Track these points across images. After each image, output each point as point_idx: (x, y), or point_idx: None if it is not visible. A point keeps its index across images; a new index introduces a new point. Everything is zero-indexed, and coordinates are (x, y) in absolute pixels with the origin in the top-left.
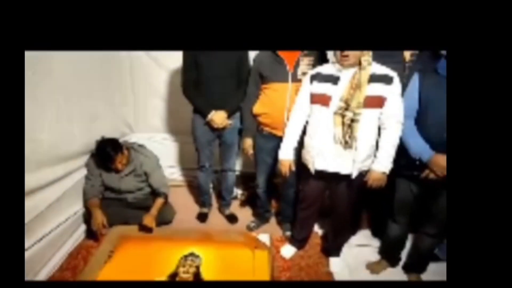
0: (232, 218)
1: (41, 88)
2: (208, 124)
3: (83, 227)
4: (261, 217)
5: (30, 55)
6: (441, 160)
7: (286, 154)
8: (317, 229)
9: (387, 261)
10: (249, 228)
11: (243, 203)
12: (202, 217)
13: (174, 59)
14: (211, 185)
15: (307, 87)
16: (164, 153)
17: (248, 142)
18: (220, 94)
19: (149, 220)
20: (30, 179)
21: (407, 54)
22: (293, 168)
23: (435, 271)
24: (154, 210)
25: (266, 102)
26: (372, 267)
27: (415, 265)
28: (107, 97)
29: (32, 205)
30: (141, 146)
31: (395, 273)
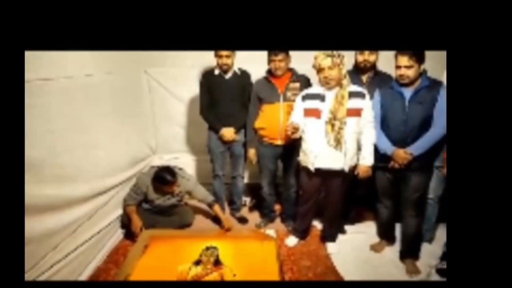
0: (242, 220)
1: (92, 115)
2: (220, 138)
3: (121, 230)
4: (267, 217)
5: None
6: (401, 153)
7: None
8: (316, 223)
9: (385, 240)
10: (258, 226)
11: (251, 209)
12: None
13: (188, 91)
14: (224, 192)
15: (300, 105)
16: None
17: (252, 152)
18: (229, 113)
19: (229, 223)
20: (84, 188)
21: (364, 77)
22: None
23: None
24: (223, 216)
25: (264, 119)
26: (374, 247)
27: (409, 250)
28: (135, 126)
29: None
30: (180, 169)
31: (393, 252)
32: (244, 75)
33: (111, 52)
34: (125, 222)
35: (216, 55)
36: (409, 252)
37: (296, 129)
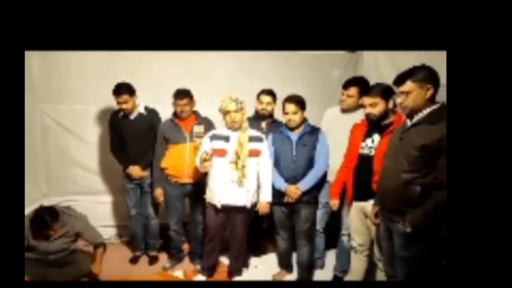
0: (153, 259)
1: None
2: (128, 176)
3: None
4: (175, 258)
5: None
6: (292, 188)
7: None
8: (223, 259)
9: (285, 269)
10: (164, 269)
11: (159, 250)
12: (134, 260)
13: (87, 129)
14: (141, 232)
15: (208, 145)
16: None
17: (159, 191)
18: (135, 153)
19: (97, 269)
20: None
21: (263, 124)
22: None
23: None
24: (99, 259)
25: (171, 158)
26: (275, 277)
27: (304, 276)
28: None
29: None
30: (68, 208)
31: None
32: (151, 114)
33: None
34: None
35: (115, 100)
36: (304, 279)
37: (208, 155)
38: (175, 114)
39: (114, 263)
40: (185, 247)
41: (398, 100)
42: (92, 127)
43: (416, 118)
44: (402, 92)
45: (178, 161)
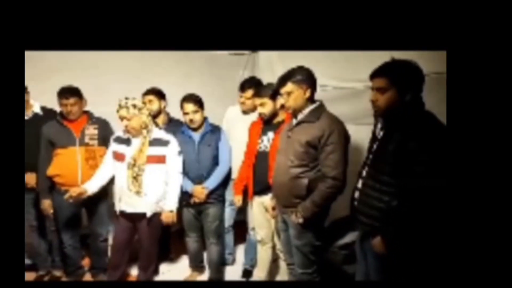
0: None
1: None
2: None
3: None
4: (73, 275)
5: None
6: (198, 188)
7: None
8: (132, 270)
9: (196, 271)
10: None
11: None
12: (38, 280)
13: None
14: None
15: (111, 147)
16: None
17: (47, 203)
18: (30, 158)
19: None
20: None
21: (159, 121)
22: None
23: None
24: None
25: (59, 165)
26: (188, 278)
27: (215, 274)
28: None
29: None
30: None
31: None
32: (48, 115)
33: None
34: None
35: None
36: (216, 277)
37: (80, 194)
38: (62, 115)
39: None
40: (85, 262)
41: (281, 100)
42: None
43: (299, 116)
44: (284, 93)
45: (68, 168)
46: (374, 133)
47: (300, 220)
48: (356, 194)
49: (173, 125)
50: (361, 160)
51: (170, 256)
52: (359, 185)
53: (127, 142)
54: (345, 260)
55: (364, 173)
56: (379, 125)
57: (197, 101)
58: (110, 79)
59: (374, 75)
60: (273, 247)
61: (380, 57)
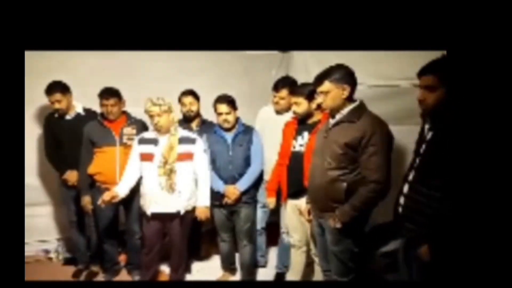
0: (91, 275)
1: None
2: (65, 182)
3: None
4: (110, 271)
5: None
6: (231, 189)
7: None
8: (164, 268)
9: (228, 272)
10: None
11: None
12: (76, 274)
13: None
14: (84, 242)
15: (136, 149)
16: None
17: (86, 199)
18: (72, 156)
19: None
20: None
21: (193, 125)
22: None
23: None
24: None
25: (99, 163)
26: (219, 279)
27: (247, 276)
28: None
29: None
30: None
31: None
32: (89, 116)
33: None
34: None
35: (48, 100)
36: (248, 279)
37: (113, 197)
38: (102, 115)
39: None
40: (122, 258)
41: (319, 99)
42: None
43: (338, 116)
44: (321, 92)
45: (107, 166)
46: (421, 134)
47: (338, 225)
48: (401, 200)
49: (206, 127)
50: (404, 163)
51: (200, 255)
52: (405, 190)
53: (154, 142)
54: (387, 268)
55: (410, 177)
56: (427, 126)
57: (230, 102)
58: (143, 81)
59: (422, 73)
60: (308, 251)
61: (423, 56)
